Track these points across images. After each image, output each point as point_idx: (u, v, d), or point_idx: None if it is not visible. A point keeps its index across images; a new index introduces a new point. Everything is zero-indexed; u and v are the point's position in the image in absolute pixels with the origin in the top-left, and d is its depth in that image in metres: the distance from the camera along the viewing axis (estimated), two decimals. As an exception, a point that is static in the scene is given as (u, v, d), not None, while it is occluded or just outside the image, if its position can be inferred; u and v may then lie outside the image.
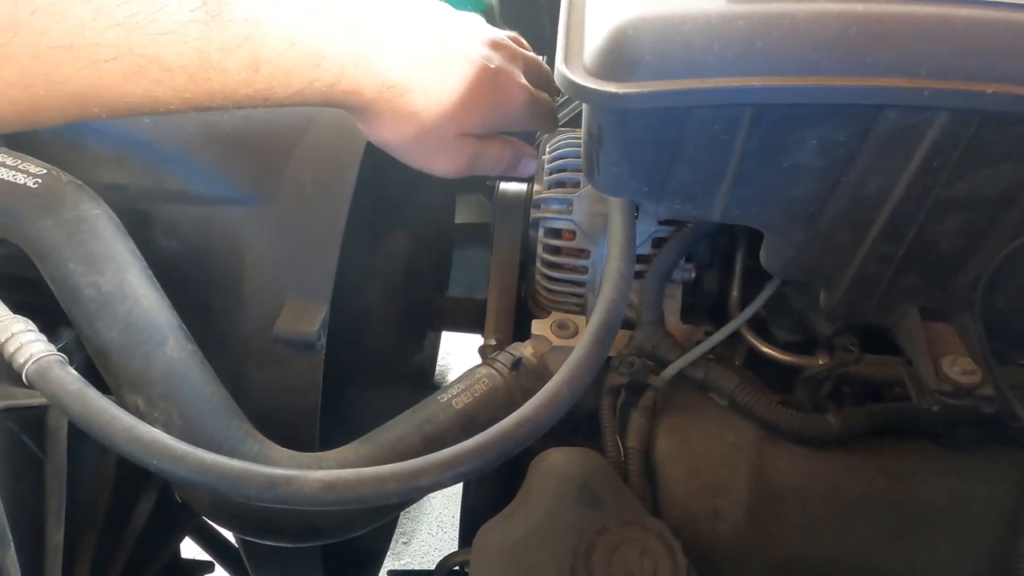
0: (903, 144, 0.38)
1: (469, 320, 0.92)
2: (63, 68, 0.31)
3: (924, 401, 0.48)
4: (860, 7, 0.36)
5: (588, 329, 0.45)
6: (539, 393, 0.43)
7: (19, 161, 0.48)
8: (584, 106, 0.42)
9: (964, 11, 0.35)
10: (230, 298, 0.53)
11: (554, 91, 0.53)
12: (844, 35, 0.35)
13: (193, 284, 0.54)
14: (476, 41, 0.45)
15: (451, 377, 1.26)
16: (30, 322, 0.44)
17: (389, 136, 0.44)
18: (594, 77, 0.37)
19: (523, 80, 0.48)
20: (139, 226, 0.53)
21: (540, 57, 0.54)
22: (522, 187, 0.66)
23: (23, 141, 0.52)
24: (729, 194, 0.42)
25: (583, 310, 0.62)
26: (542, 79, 0.51)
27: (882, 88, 0.35)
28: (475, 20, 0.48)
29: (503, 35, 0.49)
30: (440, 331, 1.06)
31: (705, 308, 0.63)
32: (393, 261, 0.78)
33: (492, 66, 0.44)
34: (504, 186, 0.66)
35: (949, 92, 0.34)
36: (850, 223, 0.43)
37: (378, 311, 0.74)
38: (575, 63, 0.39)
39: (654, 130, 0.39)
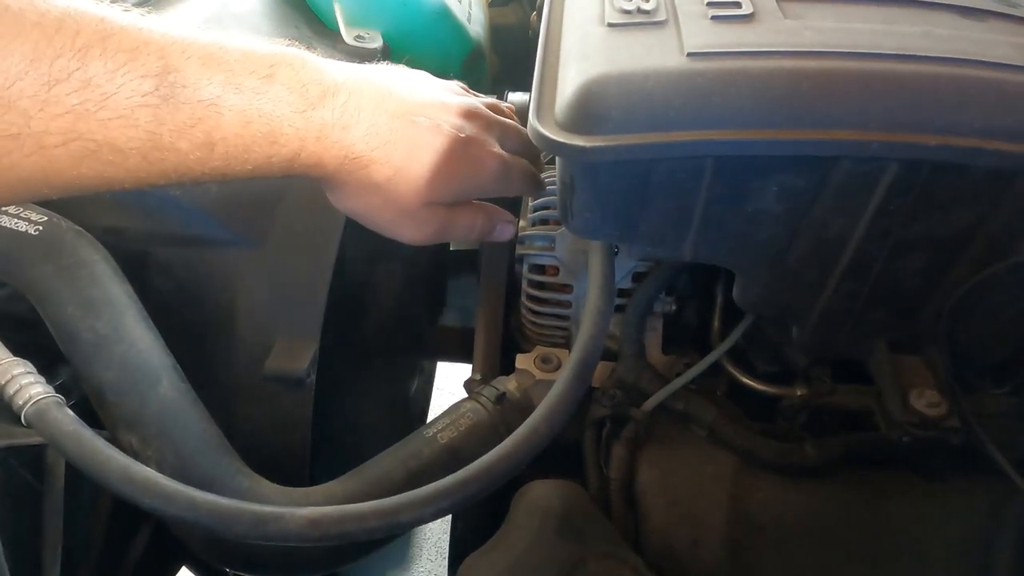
0: (859, 190, 0.40)
1: (463, 350, 0.93)
2: (10, 155, 0.30)
3: (893, 432, 0.49)
4: (811, 64, 0.38)
5: (567, 366, 0.47)
6: (519, 429, 0.44)
7: (21, 209, 0.50)
8: (557, 160, 0.44)
9: (909, 67, 0.37)
10: (222, 337, 0.55)
11: (534, 155, 0.53)
12: (796, 91, 0.38)
13: (187, 324, 0.56)
14: (446, 110, 0.44)
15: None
16: (29, 364, 0.46)
17: (353, 206, 0.44)
18: (564, 131, 0.39)
19: (496, 148, 0.47)
20: (136, 268, 0.55)
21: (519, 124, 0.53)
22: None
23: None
24: (697, 237, 0.44)
25: (567, 342, 0.64)
26: (520, 145, 0.50)
27: (833, 141, 0.37)
28: (447, 88, 0.48)
29: (478, 102, 0.48)
30: (434, 360, 1.08)
31: (687, 339, 0.64)
32: (387, 290, 0.80)
33: (463, 135, 0.44)
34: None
35: (896, 144, 0.36)
36: (815, 263, 0.45)
37: (372, 339, 0.76)
38: (547, 116, 0.41)
39: (622, 179, 0.41)
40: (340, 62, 0.43)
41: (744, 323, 0.56)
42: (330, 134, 0.39)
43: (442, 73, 0.55)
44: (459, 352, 0.98)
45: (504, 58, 1.08)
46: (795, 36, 0.40)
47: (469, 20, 0.87)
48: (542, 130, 0.39)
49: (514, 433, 0.44)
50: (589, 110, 0.39)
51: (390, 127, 0.41)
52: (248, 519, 0.39)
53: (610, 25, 0.44)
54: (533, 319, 0.64)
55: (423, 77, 0.47)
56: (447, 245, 1.08)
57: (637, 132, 0.38)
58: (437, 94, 0.46)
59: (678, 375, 0.59)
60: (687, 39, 0.40)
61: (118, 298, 0.48)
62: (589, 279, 0.51)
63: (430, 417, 0.80)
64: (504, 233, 0.52)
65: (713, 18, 0.43)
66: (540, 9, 0.94)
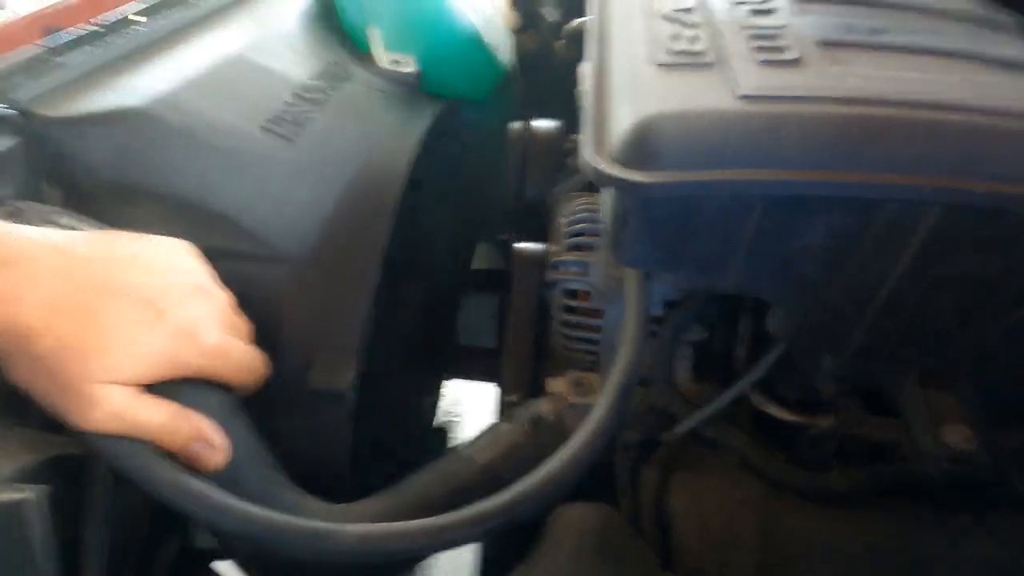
0: (902, 231, 0.42)
1: (482, 369, 0.95)
2: None
3: (924, 466, 0.50)
4: (861, 110, 0.40)
5: (605, 392, 0.48)
6: (561, 453, 0.45)
7: (75, 222, 0.51)
8: (609, 194, 0.45)
9: (956, 116, 0.39)
10: (266, 350, 0.56)
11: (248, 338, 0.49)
12: (847, 135, 0.39)
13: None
14: (150, 281, 0.42)
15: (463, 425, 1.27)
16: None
17: (19, 378, 0.40)
18: (620, 165, 0.41)
19: (211, 324, 0.44)
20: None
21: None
22: (539, 247, 0.69)
23: (78, 193, 0.55)
24: (741, 269, 0.46)
25: (596, 365, 0.65)
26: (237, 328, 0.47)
27: (881, 184, 0.39)
28: (170, 253, 0.46)
29: (208, 282, 0.46)
30: (452, 378, 1.08)
31: (714, 366, 0.66)
32: (411, 305, 0.81)
33: (160, 307, 0.41)
34: (520, 246, 0.70)
35: (944, 190, 0.38)
36: (853, 298, 0.47)
37: (395, 355, 0.77)
38: (602, 151, 0.42)
39: (674, 213, 0.43)
40: (37, 228, 0.42)
41: (774, 352, 0.58)
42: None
43: (474, 98, 0.57)
44: (479, 371, 1.00)
45: (525, 83, 1.10)
46: (842, 82, 0.42)
47: (499, 47, 0.90)
48: (599, 165, 0.41)
49: (557, 457, 0.45)
50: (646, 146, 0.40)
51: (71, 299, 0.39)
52: (304, 535, 0.40)
53: (660, 65, 0.46)
54: (563, 342, 0.65)
55: (142, 243, 0.45)
56: (468, 261, 1.09)
57: (692, 169, 0.40)
58: (143, 262, 0.43)
59: (707, 402, 0.60)
60: (739, 81, 0.42)
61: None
62: (625, 307, 0.53)
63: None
64: (206, 458, 0.43)
65: (761, 62, 0.45)
66: (567, 38, 0.96)
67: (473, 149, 0.96)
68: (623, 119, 0.42)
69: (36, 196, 0.54)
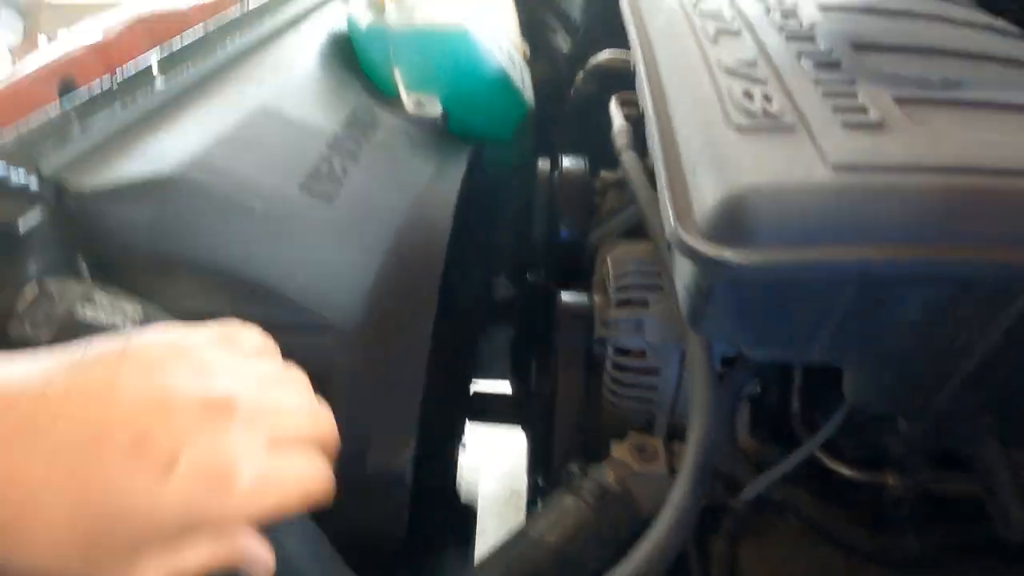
0: (1000, 301, 0.40)
1: (504, 414, 0.92)
2: None
3: (1010, 533, 0.49)
4: (961, 180, 0.38)
5: (684, 469, 0.46)
6: (646, 541, 0.43)
7: (114, 301, 0.48)
8: (689, 264, 0.43)
9: (1062, 187, 0.37)
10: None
11: (333, 451, 0.36)
12: (950, 208, 0.37)
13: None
14: (137, 409, 0.28)
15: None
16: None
17: None
18: (710, 241, 0.39)
19: (247, 448, 0.30)
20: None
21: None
22: (583, 300, 0.67)
23: (113, 267, 0.52)
24: (827, 342, 0.44)
25: (651, 426, 0.63)
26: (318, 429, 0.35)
27: (988, 259, 0.37)
28: (169, 348, 0.31)
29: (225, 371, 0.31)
30: (476, 421, 1.06)
31: (769, 421, 0.64)
32: (446, 346, 0.78)
33: (159, 446, 0.27)
34: (566, 298, 0.67)
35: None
36: (940, 367, 0.45)
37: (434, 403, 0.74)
38: (687, 223, 0.40)
39: (765, 290, 0.41)
40: None
41: (841, 412, 0.56)
42: None
43: (499, 138, 0.53)
44: (502, 414, 0.97)
45: (536, 113, 1.08)
46: (935, 148, 0.40)
47: (524, 85, 0.87)
48: (690, 241, 0.39)
49: (641, 548, 0.43)
50: (740, 222, 0.38)
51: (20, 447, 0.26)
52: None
53: (739, 128, 0.44)
54: (615, 400, 0.62)
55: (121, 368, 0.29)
56: (487, 295, 1.06)
57: (788, 246, 0.38)
58: (137, 385, 0.29)
59: (768, 461, 0.58)
60: (827, 149, 0.40)
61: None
62: (692, 374, 0.50)
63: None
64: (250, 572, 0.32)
65: (845, 125, 0.43)
66: (590, 73, 0.94)
67: (492, 184, 0.93)
68: (709, 190, 0.40)
69: (68, 271, 0.51)
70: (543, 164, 0.85)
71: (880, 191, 0.38)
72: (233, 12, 1.02)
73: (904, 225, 0.38)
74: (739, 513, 0.55)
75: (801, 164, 0.40)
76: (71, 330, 0.47)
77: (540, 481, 0.80)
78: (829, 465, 0.59)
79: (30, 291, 0.48)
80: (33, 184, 0.48)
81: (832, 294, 0.40)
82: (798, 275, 0.39)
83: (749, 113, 0.44)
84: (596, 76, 0.92)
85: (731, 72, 0.50)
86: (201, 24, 0.91)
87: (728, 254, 0.38)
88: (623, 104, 0.79)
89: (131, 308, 0.48)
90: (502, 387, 1.06)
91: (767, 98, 0.46)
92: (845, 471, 0.58)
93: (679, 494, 0.44)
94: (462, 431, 0.92)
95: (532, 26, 1.18)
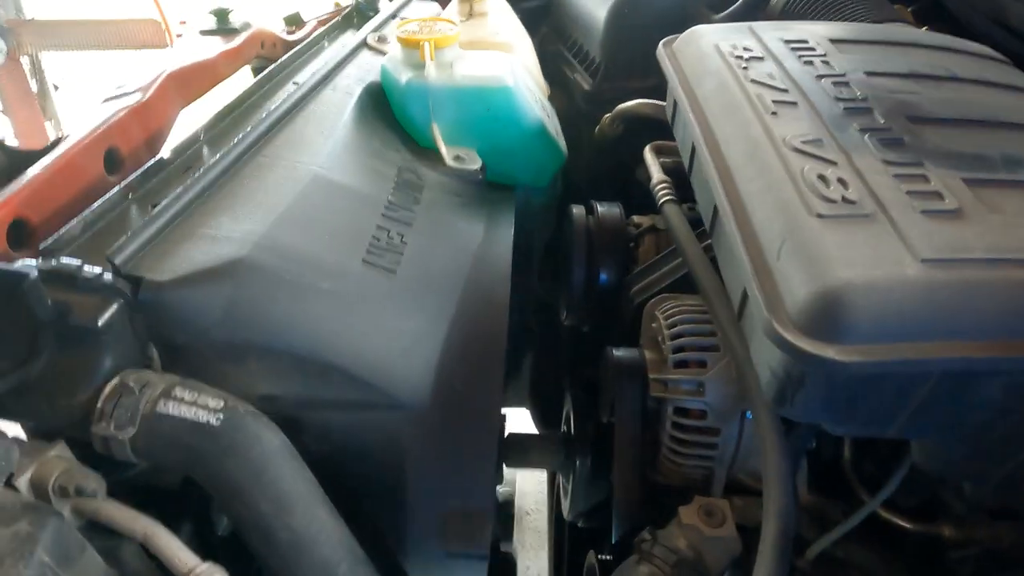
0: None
1: (538, 459, 0.92)
2: None
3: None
4: (1047, 273, 0.40)
5: (765, 543, 0.47)
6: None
7: (197, 395, 0.47)
8: (780, 352, 0.44)
9: None
10: (389, 505, 0.53)
11: None
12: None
13: (349, 490, 0.54)
14: None
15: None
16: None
17: None
18: (805, 335, 0.40)
19: None
20: (290, 432, 0.53)
21: None
22: (634, 356, 0.68)
23: (186, 355, 0.52)
24: (908, 422, 0.45)
25: (707, 482, 0.64)
26: None
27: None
28: None
29: None
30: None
31: (823, 475, 0.65)
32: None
33: None
34: (618, 355, 0.68)
35: None
36: (1013, 440, 0.46)
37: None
38: (780, 315, 0.41)
39: (856, 381, 0.42)
40: None
41: (902, 469, 0.57)
42: None
43: (536, 185, 0.52)
44: (534, 461, 0.97)
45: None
46: (1014, 238, 0.42)
47: (558, 132, 0.88)
48: (789, 337, 0.40)
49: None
50: (836, 318, 0.39)
51: None
52: None
53: (820, 217, 0.45)
54: (674, 459, 0.63)
55: None
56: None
57: (883, 342, 0.39)
58: None
59: (824, 515, 0.60)
60: (913, 242, 0.42)
61: (308, 492, 0.46)
62: (762, 441, 0.51)
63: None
64: None
65: (923, 213, 0.44)
66: (619, 118, 0.95)
67: (524, 226, 0.94)
68: (801, 282, 0.41)
69: (141, 362, 0.51)
70: (577, 210, 0.85)
71: (973, 287, 0.39)
72: (261, 57, 1.01)
73: (993, 320, 0.39)
74: (809, 572, 0.56)
75: (890, 258, 0.41)
76: (155, 427, 0.47)
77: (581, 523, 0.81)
78: (885, 517, 0.60)
79: (112, 388, 0.47)
80: (109, 279, 0.48)
81: (918, 383, 0.42)
82: (891, 369, 0.41)
83: (829, 201, 0.46)
84: (625, 121, 0.94)
85: (800, 152, 0.51)
86: (231, 73, 0.91)
87: (828, 351, 0.39)
88: (659, 153, 0.80)
89: (213, 401, 0.48)
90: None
91: (843, 182, 0.47)
92: (902, 523, 0.60)
93: (766, 566, 0.45)
94: (500, 479, 0.92)
95: (548, 59, 1.19)
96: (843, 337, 0.39)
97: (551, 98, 1.12)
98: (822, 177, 0.48)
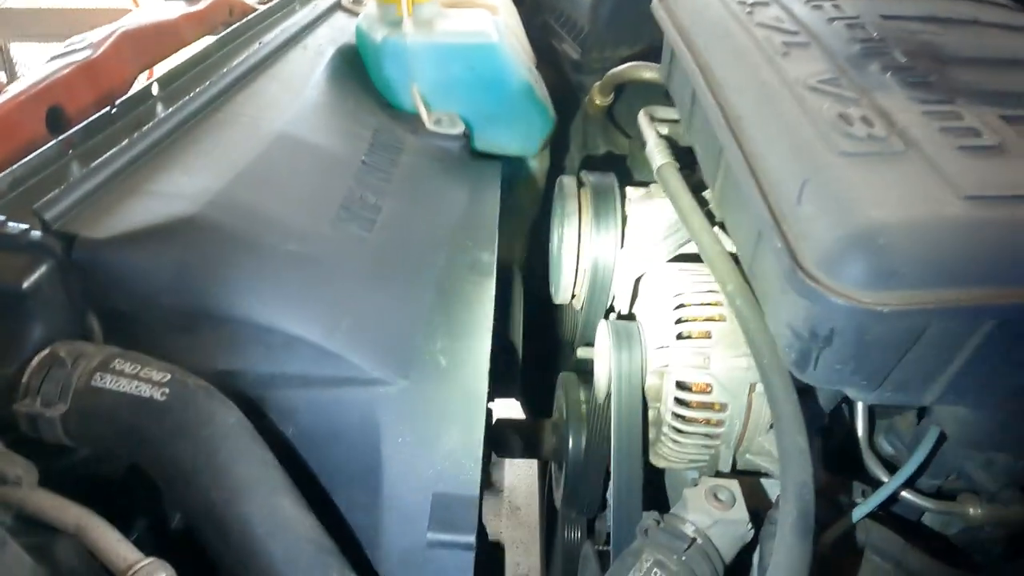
0: None
1: (524, 446, 0.87)
2: None
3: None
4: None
5: (784, 524, 0.42)
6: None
7: (139, 367, 0.42)
8: (803, 306, 0.39)
9: None
10: (365, 491, 0.48)
11: None
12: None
13: (317, 474, 0.48)
14: None
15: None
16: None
17: None
18: (838, 282, 0.35)
19: None
20: (251, 411, 0.47)
21: None
22: (632, 326, 0.63)
23: (131, 324, 0.46)
24: (948, 384, 0.40)
25: (710, 463, 0.59)
26: None
27: None
28: None
29: None
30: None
31: (835, 451, 0.60)
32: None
33: None
34: (614, 324, 0.63)
35: None
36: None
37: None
38: (805, 264, 0.36)
39: (895, 334, 0.37)
40: None
41: (926, 447, 0.53)
42: None
43: (524, 155, 0.47)
44: (520, 449, 0.91)
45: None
46: (1066, 173, 0.37)
47: (547, 98, 0.83)
48: (817, 286, 0.35)
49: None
50: (870, 262, 0.34)
51: None
52: None
53: (845, 154, 0.40)
54: (675, 437, 0.58)
55: None
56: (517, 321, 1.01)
57: (926, 287, 0.34)
58: None
59: (841, 495, 0.55)
60: (953, 178, 0.37)
61: (269, 477, 0.41)
62: (776, 414, 0.46)
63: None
64: None
65: (960, 149, 0.39)
66: (606, 86, 0.90)
67: (511, 196, 0.88)
68: (828, 227, 0.36)
69: (79, 332, 0.45)
70: (568, 180, 0.80)
71: (1019, 226, 0.35)
72: (229, 25, 0.95)
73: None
74: (826, 556, 0.51)
75: (928, 195, 0.36)
76: (90, 403, 0.41)
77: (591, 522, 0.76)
78: (911, 499, 0.55)
79: (39, 360, 0.41)
80: (37, 236, 0.42)
81: (965, 336, 0.37)
82: (935, 319, 0.36)
83: (854, 138, 0.41)
84: (616, 87, 0.88)
85: (817, 91, 0.46)
86: (195, 37, 0.84)
87: (863, 298, 0.34)
88: (653, 120, 0.75)
89: (158, 374, 0.42)
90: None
91: (866, 120, 0.42)
92: (922, 503, 0.55)
93: (783, 555, 0.40)
94: (488, 465, 0.87)
95: (533, 33, 1.13)
96: (878, 283, 0.34)
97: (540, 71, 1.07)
98: (843, 116, 0.43)
